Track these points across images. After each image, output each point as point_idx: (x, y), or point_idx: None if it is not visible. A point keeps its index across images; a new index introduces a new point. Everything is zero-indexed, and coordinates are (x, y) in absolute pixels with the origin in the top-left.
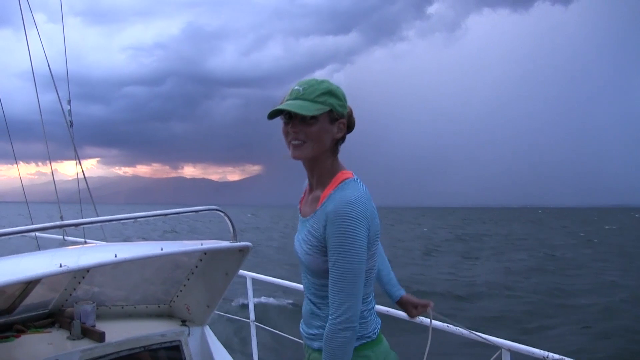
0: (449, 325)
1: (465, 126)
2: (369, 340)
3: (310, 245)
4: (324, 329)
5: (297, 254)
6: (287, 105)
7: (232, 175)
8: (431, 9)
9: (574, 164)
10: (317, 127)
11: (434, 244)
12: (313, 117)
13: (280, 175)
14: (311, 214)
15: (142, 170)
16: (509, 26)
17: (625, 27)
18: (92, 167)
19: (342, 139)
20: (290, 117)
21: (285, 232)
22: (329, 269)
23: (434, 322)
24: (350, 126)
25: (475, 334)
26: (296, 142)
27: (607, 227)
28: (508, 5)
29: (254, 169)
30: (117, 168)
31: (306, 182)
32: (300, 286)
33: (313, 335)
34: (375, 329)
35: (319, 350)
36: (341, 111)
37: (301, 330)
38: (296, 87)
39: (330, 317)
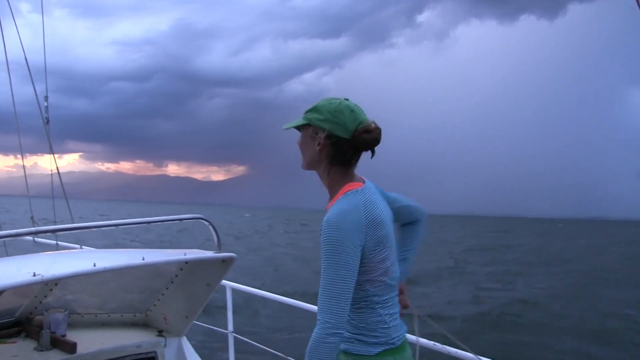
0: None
1: (454, 134)
2: (392, 346)
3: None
4: (346, 332)
5: None
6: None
7: (217, 175)
8: (421, 17)
9: (559, 175)
10: (300, 140)
11: None
12: (299, 130)
13: (265, 178)
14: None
15: (126, 166)
16: (496, 37)
17: (610, 44)
18: (74, 161)
19: (340, 154)
20: None
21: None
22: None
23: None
24: (360, 145)
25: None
26: None
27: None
28: (495, 17)
29: (239, 170)
30: (99, 164)
31: None
32: (279, 297)
33: None
34: (400, 336)
35: (344, 351)
36: (318, 125)
37: None
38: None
39: (317, 323)
